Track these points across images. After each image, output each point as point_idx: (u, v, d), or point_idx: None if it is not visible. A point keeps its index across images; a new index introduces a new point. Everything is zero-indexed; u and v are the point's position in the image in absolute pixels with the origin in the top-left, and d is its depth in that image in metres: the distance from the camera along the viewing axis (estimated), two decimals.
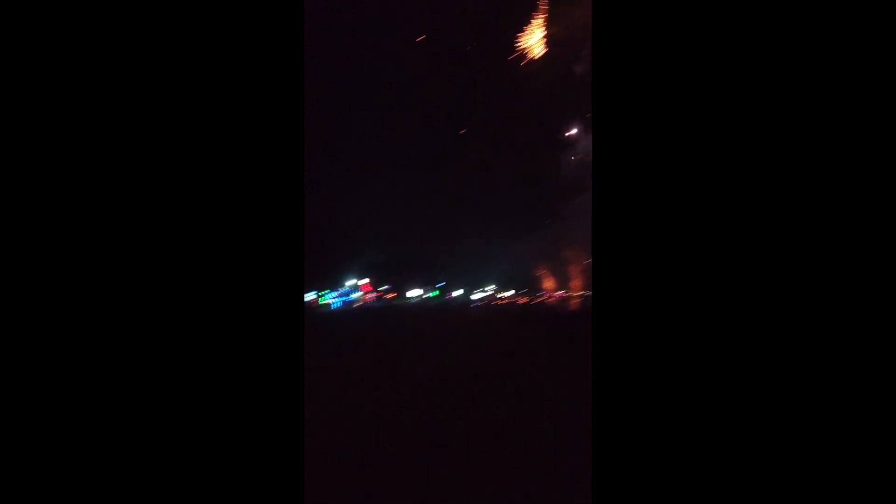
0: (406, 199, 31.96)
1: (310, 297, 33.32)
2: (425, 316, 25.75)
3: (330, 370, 8.20)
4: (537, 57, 25.30)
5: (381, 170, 31.11)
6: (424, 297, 40.39)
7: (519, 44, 25.43)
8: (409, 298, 39.12)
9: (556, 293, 33.86)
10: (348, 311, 32.88)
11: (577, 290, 31.94)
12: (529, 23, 25.28)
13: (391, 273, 36.69)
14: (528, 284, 38.47)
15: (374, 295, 37.19)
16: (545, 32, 25.00)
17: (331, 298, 35.65)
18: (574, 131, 27.74)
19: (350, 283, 36.45)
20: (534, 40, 25.18)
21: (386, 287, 37.81)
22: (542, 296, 35.94)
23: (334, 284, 35.60)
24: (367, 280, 36.74)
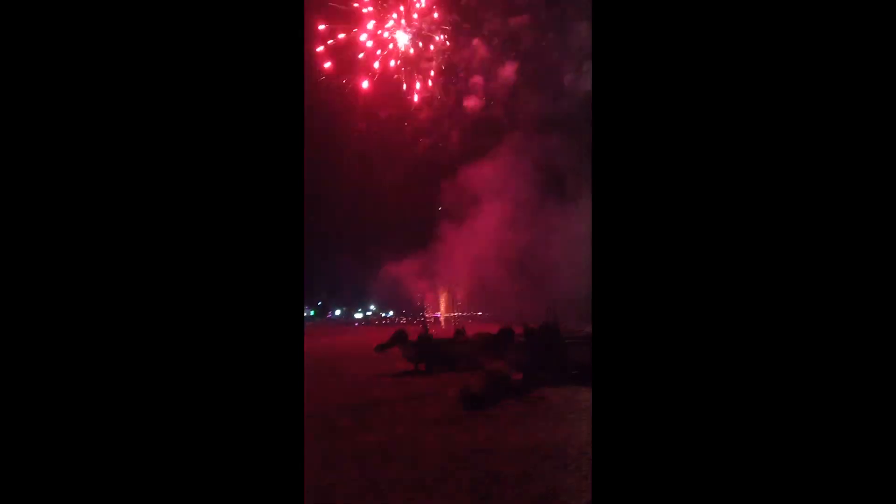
0: None
1: None
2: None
3: None
4: None
5: None
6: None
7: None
8: None
9: (432, 314, 34.97)
10: None
11: (449, 312, 33.27)
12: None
13: None
14: (407, 306, 39.14)
15: None
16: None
17: None
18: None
19: None
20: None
21: None
22: (420, 317, 36.83)
23: None
24: None
